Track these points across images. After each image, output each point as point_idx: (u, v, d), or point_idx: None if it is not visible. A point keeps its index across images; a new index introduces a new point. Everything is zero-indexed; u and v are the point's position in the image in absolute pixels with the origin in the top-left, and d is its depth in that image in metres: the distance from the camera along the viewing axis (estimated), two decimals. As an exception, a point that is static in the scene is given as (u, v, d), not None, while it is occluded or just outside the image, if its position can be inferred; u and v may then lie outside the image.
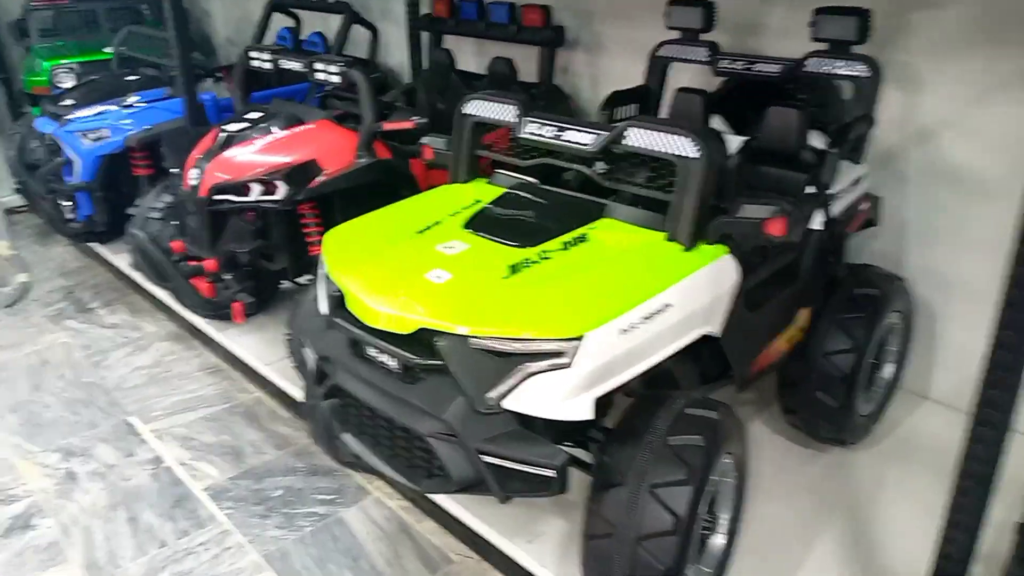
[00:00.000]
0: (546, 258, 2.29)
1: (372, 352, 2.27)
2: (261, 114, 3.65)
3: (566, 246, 2.35)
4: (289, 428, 3.81)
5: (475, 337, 2.06)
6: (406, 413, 2.20)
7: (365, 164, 3.49)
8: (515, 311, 2.08)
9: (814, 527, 2.92)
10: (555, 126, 2.58)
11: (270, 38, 5.79)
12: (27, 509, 3.30)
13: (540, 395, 2.05)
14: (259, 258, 3.75)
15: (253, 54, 3.86)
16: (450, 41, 4.95)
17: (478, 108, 2.80)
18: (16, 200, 6.51)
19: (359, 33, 5.34)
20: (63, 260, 5.82)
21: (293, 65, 3.66)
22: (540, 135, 2.60)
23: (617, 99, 3.49)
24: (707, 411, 2.26)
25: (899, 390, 3.54)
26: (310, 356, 2.57)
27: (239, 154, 3.46)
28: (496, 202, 2.67)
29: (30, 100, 6.34)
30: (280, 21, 5.79)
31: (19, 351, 4.57)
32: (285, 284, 4.59)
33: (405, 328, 2.13)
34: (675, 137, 2.32)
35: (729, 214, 2.32)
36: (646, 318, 2.13)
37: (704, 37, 3.52)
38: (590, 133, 2.49)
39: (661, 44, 3.62)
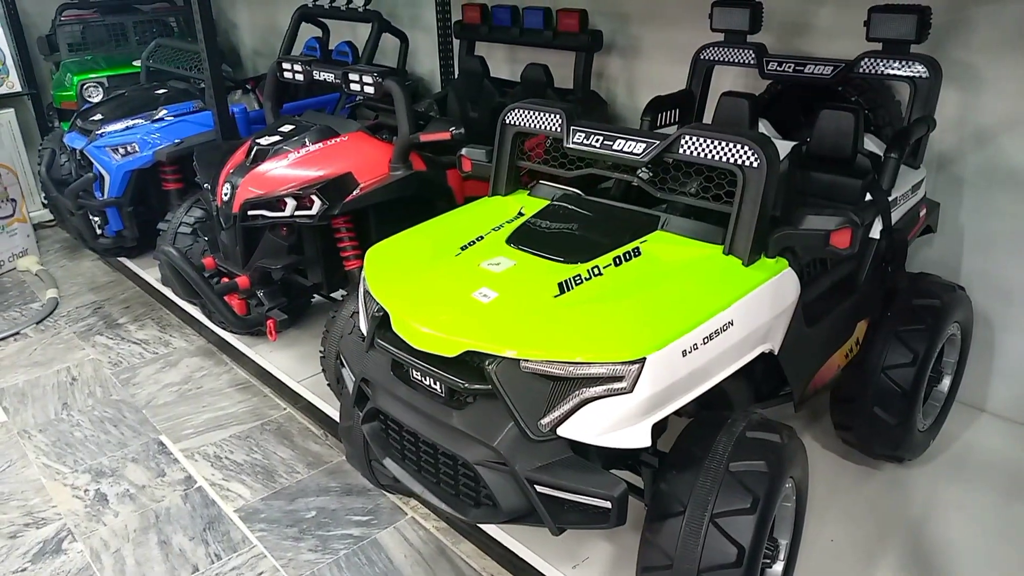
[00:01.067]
0: (597, 275, 2.17)
1: (416, 375, 2.16)
2: (293, 127, 3.56)
3: (617, 261, 2.23)
4: (321, 446, 3.72)
5: (527, 361, 1.94)
6: (452, 439, 2.09)
7: (401, 177, 3.39)
8: (569, 333, 1.96)
9: (872, 549, 2.78)
10: (603, 135, 2.46)
11: (298, 49, 5.74)
12: (57, 532, 3.23)
13: (597, 422, 1.93)
14: (292, 274, 3.66)
15: (285, 65, 3.78)
16: (482, 48, 4.86)
17: (521, 117, 2.70)
18: (45, 215, 6.51)
19: (388, 42, 5.27)
20: (92, 275, 5.79)
21: (326, 76, 3.58)
22: (588, 144, 2.49)
23: (659, 105, 3.37)
24: (770, 434, 2.13)
25: (955, 403, 3.39)
26: (349, 377, 2.47)
27: (272, 168, 3.38)
28: (540, 215, 2.56)
29: (59, 115, 6.32)
30: (307, 32, 5.73)
31: (48, 368, 4.52)
32: (316, 298, 4.52)
33: (451, 351, 2.02)
34: (733, 145, 2.20)
35: (791, 226, 2.20)
36: (708, 338, 2.01)
37: (750, 39, 3.39)
38: (641, 141, 2.38)
39: (704, 47, 3.49)
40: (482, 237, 2.47)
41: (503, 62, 4.99)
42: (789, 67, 3.25)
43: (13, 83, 6.51)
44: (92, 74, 6.02)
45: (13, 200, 5.73)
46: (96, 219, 4.81)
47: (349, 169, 3.32)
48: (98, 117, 4.87)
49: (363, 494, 3.36)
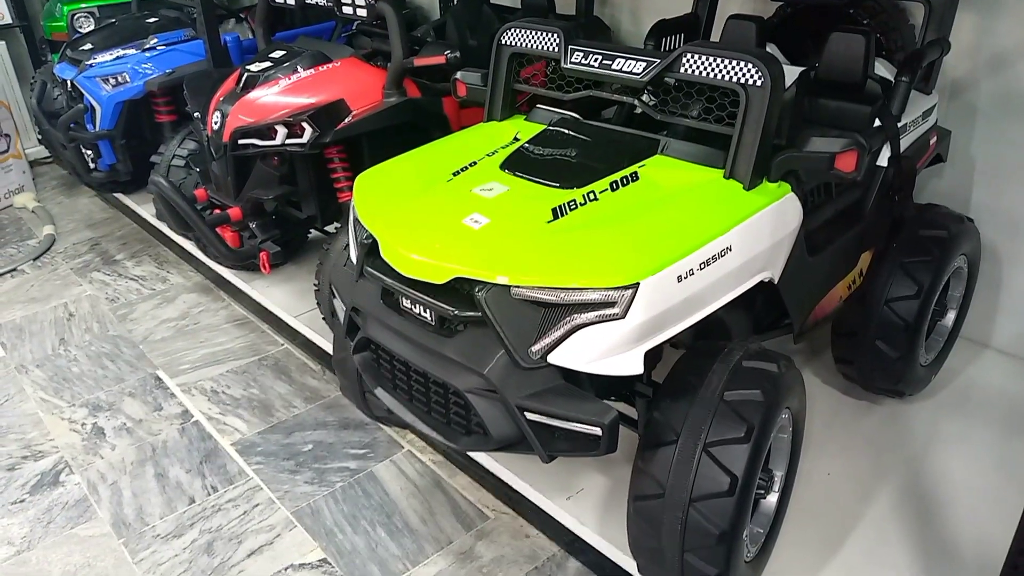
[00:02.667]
0: (593, 200, 2.10)
1: (406, 303, 2.11)
2: (285, 52, 3.45)
3: (614, 186, 2.15)
4: (318, 381, 3.69)
5: (517, 287, 1.88)
6: (442, 367, 2.04)
7: (395, 103, 3.29)
8: (560, 258, 1.89)
9: (870, 483, 2.76)
10: (602, 54, 2.36)
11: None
12: (55, 465, 3.23)
13: (588, 349, 1.87)
14: (286, 206, 3.59)
15: (275, -15, 3.65)
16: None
17: (517, 38, 2.59)
18: (41, 151, 6.42)
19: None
20: (89, 211, 5.73)
21: (317, 0, 3.46)
22: (587, 65, 2.39)
23: (663, 28, 3.25)
24: (766, 364, 2.08)
25: (959, 338, 3.33)
26: (340, 307, 2.42)
27: (263, 95, 3.28)
28: (535, 140, 2.47)
29: (50, 47, 6.18)
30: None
31: (45, 304, 4.49)
32: (313, 233, 4.46)
33: (441, 277, 1.96)
34: (736, 63, 2.10)
35: (795, 148, 2.11)
36: (705, 264, 1.94)
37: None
38: (642, 61, 2.28)
39: (710, -31, 3.35)
40: (475, 163, 2.39)
41: (504, -11, 4.83)
42: (799, -11, 3.12)
43: (3, 15, 6.35)
44: (82, 3, 5.86)
45: (7, 136, 5.64)
46: (88, 152, 4.71)
47: (341, 96, 3.22)
48: (88, 47, 4.74)
49: (360, 428, 3.35)
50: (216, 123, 3.30)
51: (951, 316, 3.16)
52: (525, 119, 2.70)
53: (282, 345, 4.01)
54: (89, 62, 4.59)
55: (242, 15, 5.12)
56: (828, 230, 2.56)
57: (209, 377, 3.76)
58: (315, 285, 3.27)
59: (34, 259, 4.99)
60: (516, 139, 2.52)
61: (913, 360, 2.87)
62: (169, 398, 3.63)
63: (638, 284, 1.83)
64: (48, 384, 3.77)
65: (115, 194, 5.52)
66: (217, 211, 3.49)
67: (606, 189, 2.14)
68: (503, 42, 2.64)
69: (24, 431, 3.44)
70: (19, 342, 4.13)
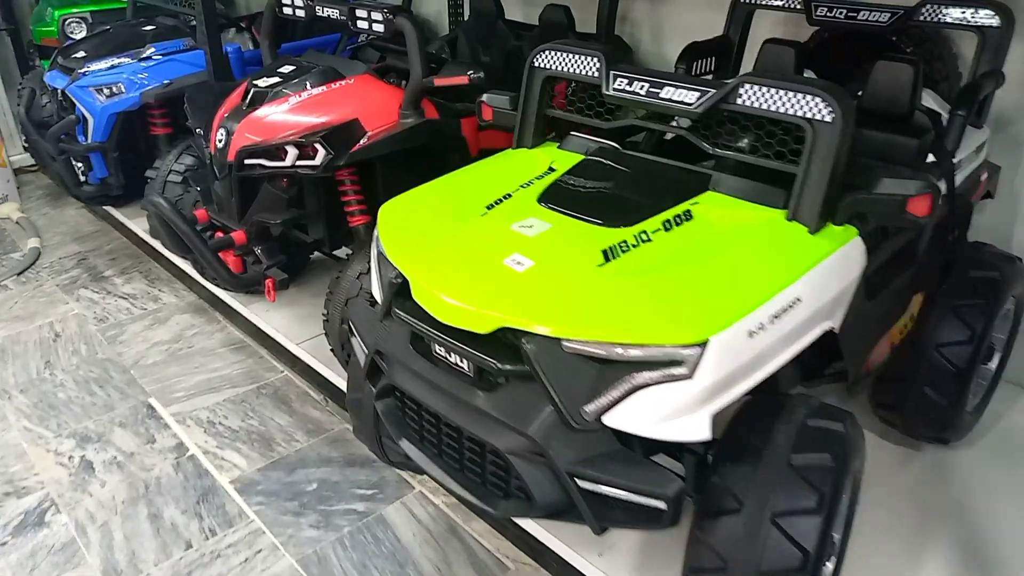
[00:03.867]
0: (646, 241, 1.92)
1: (439, 350, 1.92)
2: (294, 68, 3.26)
3: (667, 226, 1.98)
4: (320, 412, 3.49)
5: (570, 340, 1.70)
6: (480, 424, 1.85)
7: (413, 125, 3.10)
8: (619, 310, 1.72)
9: (920, 535, 2.60)
10: (649, 81, 2.19)
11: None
12: (40, 503, 3.01)
13: (650, 411, 1.69)
14: (292, 229, 3.38)
15: (284, 0, 3.45)
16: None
17: (552, 60, 2.42)
18: (26, 159, 6.17)
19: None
20: (76, 224, 5.49)
21: (330, 12, 3.26)
22: (632, 92, 2.21)
23: (695, 51, 3.09)
24: (833, 422, 1.91)
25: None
26: (360, 347, 2.23)
27: (271, 113, 3.08)
28: (575, 171, 2.29)
29: (39, 52, 5.94)
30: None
31: (30, 323, 4.26)
32: (316, 254, 4.25)
33: (484, 327, 1.78)
34: (802, 96, 1.94)
35: (863, 189, 1.94)
36: (775, 317, 1.77)
37: (795, -19, 3.10)
38: (694, 90, 2.11)
39: (745, -11, 3.20)
40: (510, 195, 2.21)
41: (515, 3, 4.66)
42: (840, 13, 2.97)
43: (-11, 17, 6.12)
44: (74, 8, 5.63)
45: (-9, 143, 5.41)
46: (79, 165, 4.49)
47: (355, 115, 3.03)
48: (81, 55, 4.51)
49: (367, 465, 3.15)
50: (220, 141, 3.10)
51: (996, 359, 3.01)
52: (559, 147, 2.53)
53: (281, 372, 3.81)
54: (82, 71, 4.37)
55: (243, 24, 4.93)
56: (884, 272, 2.40)
57: (205, 406, 3.55)
58: (324, 315, 3.07)
59: (18, 274, 4.75)
60: (551, 169, 2.35)
61: (961, 407, 2.73)
62: (163, 429, 3.41)
63: (708, 341, 1.65)
64: (32, 411, 3.54)
65: (104, 207, 5.29)
66: (219, 233, 3.28)
67: (659, 229, 1.97)
68: (536, 65, 2.47)
69: (6, 464, 3.22)
70: (1, 365, 3.90)
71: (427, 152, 3.21)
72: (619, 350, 1.67)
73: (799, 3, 3.05)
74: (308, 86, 3.15)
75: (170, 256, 4.61)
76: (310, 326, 3.86)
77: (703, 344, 1.65)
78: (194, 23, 4.65)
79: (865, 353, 2.35)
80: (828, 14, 2.99)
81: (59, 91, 4.46)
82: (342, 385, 3.49)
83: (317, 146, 2.91)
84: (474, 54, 4.15)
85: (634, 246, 1.90)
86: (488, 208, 2.15)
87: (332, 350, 3.19)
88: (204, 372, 3.80)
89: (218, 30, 3.99)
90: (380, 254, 2.15)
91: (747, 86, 2.03)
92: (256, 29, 4.14)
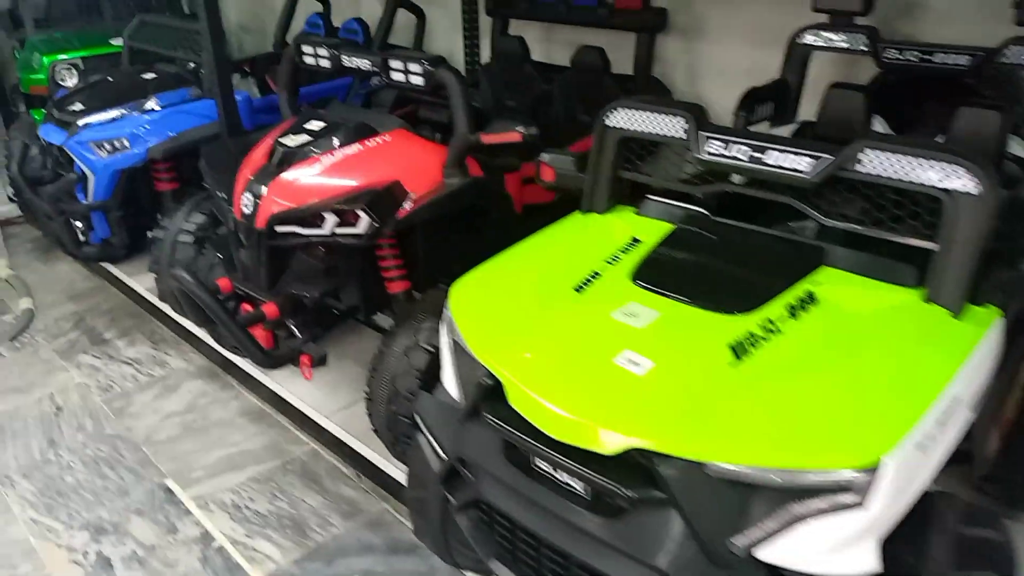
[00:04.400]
0: (774, 331, 1.70)
1: (544, 466, 1.68)
2: (324, 124, 3.01)
3: (792, 312, 1.76)
4: (355, 490, 3.22)
5: (717, 465, 1.47)
6: (598, 554, 1.61)
7: (460, 186, 2.86)
8: (771, 425, 1.49)
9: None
10: (750, 145, 1.98)
11: (298, 26, 5.15)
12: (56, 613, 2.72)
13: (813, 545, 1.46)
14: (325, 297, 3.11)
15: (306, 48, 3.21)
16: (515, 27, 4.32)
17: (629, 120, 2.20)
18: (13, 210, 5.85)
19: (400, 17, 4.72)
20: (70, 280, 5.17)
21: (360, 63, 3.03)
22: (731, 157, 2.00)
23: (754, 97, 2.89)
24: (989, 531, 1.68)
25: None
26: (429, 446, 1.98)
27: (304, 175, 2.83)
28: (668, 243, 2.07)
29: (26, 101, 5.62)
30: (306, 7, 5.16)
31: (28, 396, 3.95)
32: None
33: (606, 448, 1.54)
34: (938, 164, 1.73)
35: (1010, 267, 1.74)
36: (940, 423, 1.55)
37: (859, 21, 2.91)
38: (803, 154, 1.89)
39: (804, 30, 3.01)
40: (598, 274, 1.98)
41: (536, 43, 4.46)
42: (912, 55, 2.79)
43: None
44: (64, 54, 5.33)
45: (-26, 196, 5.10)
46: (78, 224, 4.19)
47: (396, 177, 2.79)
48: (78, 107, 4.21)
49: (413, 552, 2.88)
50: (247, 206, 2.84)
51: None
52: (637, 213, 2.30)
53: (307, 444, 3.53)
54: (81, 124, 4.08)
55: (246, 69, 4.68)
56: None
57: (228, 487, 3.27)
58: (365, 393, 2.82)
59: (11, 339, 4.44)
60: (636, 241, 2.12)
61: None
62: (184, 516, 3.13)
63: (880, 463, 1.42)
64: (39, 500, 3.24)
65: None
66: (245, 306, 3.02)
67: (785, 315, 1.75)
68: (610, 124, 2.25)
69: (13, 564, 2.92)
70: (0, 445, 3.60)
71: (469, 210, 2.97)
72: (776, 476, 1.44)
73: (865, 45, 2.86)
74: (340, 144, 2.90)
75: (174, 316, 4.33)
76: (339, 395, 3.60)
77: (875, 467, 1.42)
78: (194, 68, 4.39)
79: (992, 433, 2.13)
80: (899, 56, 2.81)
81: (55, 147, 4.19)
82: (377, 461, 3.23)
83: (360, 213, 2.65)
84: (497, 97, 3.94)
85: (763, 339, 1.68)
86: (577, 290, 1.92)
87: (375, 431, 2.93)
88: (223, 447, 3.52)
89: (230, 79, 3.74)
90: (457, 344, 1.91)
91: (868, 151, 1.82)
92: (270, 77, 3.89)
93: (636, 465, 1.55)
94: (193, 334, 4.27)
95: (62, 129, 4.15)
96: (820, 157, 1.88)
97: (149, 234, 3.86)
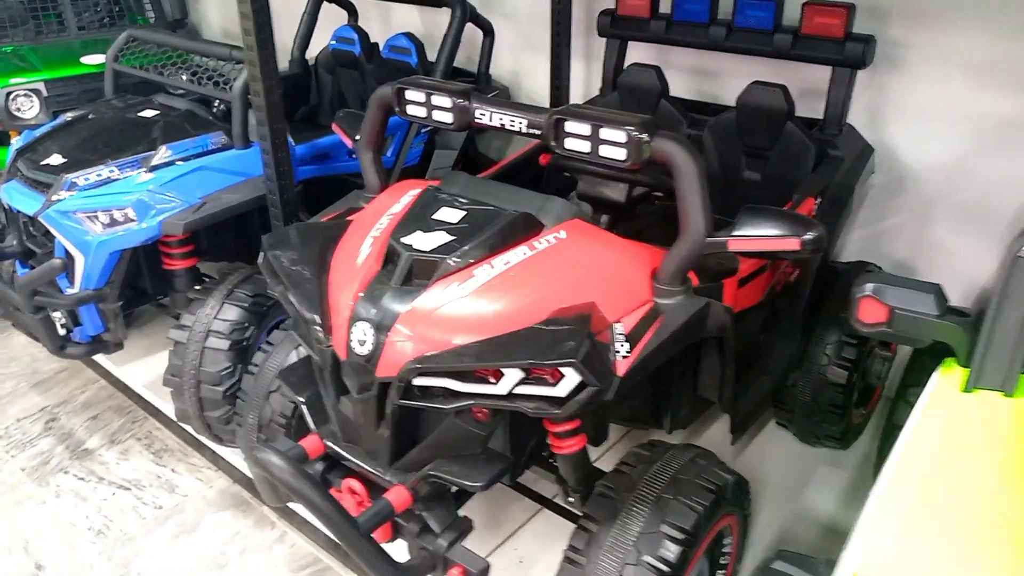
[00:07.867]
0: None
1: None
2: (464, 212, 2.00)
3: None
4: None
5: None
6: None
7: (696, 313, 1.87)
8: None
9: None
10: None
11: (322, 39, 4.12)
12: None
13: None
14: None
15: (411, 95, 2.22)
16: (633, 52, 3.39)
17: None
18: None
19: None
20: (31, 360, 4.07)
21: (504, 121, 2.02)
22: None
23: None
24: None
25: None
26: None
27: (457, 301, 1.85)
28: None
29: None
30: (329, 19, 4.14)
31: (-6, 547, 2.92)
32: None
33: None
34: None
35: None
36: None
37: None
38: None
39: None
40: None
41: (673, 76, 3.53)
42: None
43: None
44: (21, 76, 4.13)
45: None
46: (60, 318, 3.08)
47: (591, 299, 1.85)
48: (56, 160, 3.03)
49: None
50: (363, 343, 1.86)
51: None
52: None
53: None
54: (64, 184, 2.90)
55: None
56: None
57: None
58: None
59: (-43, 453, 3.38)
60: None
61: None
62: None
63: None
64: None
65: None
66: (352, 484, 2.03)
67: None
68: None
69: None
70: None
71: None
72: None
73: None
74: (496, 247, 1.93)
75: (170, 410, 3.28)
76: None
77: None
78: (204, 96, 3.32)
79: None
80: None
81: (22, 217, 3.08)
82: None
83: (565, 370, 1.68)
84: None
85: None
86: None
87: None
88: (279, 630, 2.57)
89: (285, 128, 2.67)
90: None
91: None
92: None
93: None
94: (202, 442, 3.28)
95: (34, 191, 2.98)
96: None
97: (167, 336, 2.82)
